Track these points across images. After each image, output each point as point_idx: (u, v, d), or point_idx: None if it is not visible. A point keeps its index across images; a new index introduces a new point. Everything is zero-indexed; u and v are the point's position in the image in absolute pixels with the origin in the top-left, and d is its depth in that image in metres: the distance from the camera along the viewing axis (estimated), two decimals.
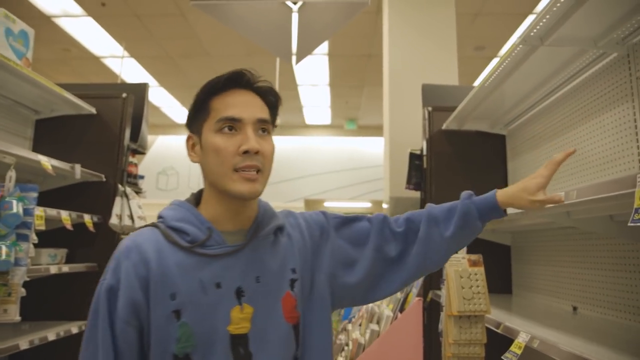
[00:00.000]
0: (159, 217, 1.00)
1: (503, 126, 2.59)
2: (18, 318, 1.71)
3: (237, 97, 0.99)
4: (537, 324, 1.50)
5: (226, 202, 0.98)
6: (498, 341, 1.45)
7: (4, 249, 1.65)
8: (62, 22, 6.24)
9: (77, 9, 5.90)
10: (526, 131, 2.35)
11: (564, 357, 1.01)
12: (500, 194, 1.08)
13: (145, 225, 0.99)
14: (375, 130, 10.23)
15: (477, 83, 2.15)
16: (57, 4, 5.80)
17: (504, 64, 1.77)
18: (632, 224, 0.74)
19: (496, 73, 1.87)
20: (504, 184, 2.55)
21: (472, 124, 2.56)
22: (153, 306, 0.89)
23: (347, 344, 2.46)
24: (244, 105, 0.98)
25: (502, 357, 1.23)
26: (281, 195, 10.65)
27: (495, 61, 1.79)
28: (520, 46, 1.60)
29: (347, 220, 1.14)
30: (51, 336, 2.08)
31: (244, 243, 0.97)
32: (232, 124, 0.96)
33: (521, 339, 1.20)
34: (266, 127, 1.00)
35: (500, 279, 2.46)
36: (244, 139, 0.95)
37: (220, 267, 0.94)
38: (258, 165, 0.95)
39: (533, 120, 2.26)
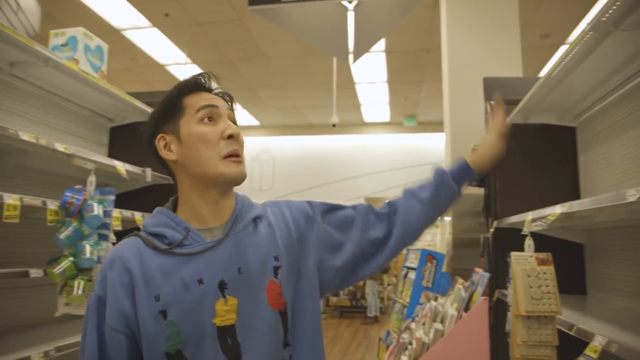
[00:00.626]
0: (143, 225, 1.06)
1: (573, 118, 2.46)
2: None
3: (205, 94, 1.06)
4: (615, 327, 1.43)
5: (208, 195, 1.01)
6: (571, 344, 1.39)
7: (88, 248, 1.79)
8: (130, 34, 6.62)
9: (144, 21, 6.24)
10: (599, 123, 2.23)
11: None
12: (470, 155, 1.21)
13: (128, 235, 1.04)
14: (435, 126, 10.04)
15: (543, 73, 2.06)
16: (125, 18, 6.17)
17: (572, 52, 1.69)
18: None
19: (564, 62, 1.78)
20: (574, 179, 2.44)
21: (539, 116, 2.46)
22: (140, 310, 0.93)
23: (410, 343, 2.45)
24: (214, 99, 1.05)
25: None
26: (341, 194, 10.70)
27: (562, 49, 1.71)
28: (590, 33, 1.52)
29: (333, 207, 1.18)
30: None
31: (221, 237, 1.00)
32: (212, 113, 1.02)
33: (597, 343, 1.14)
34: (234, 118, 1.07)
35: (573, 279, 2.35)
36: (225, 126, 1.01)
37: (200, 263, 0.97)
38: (239, 149, 1.02)
39: (607, 110, 2.13)
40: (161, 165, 1.08)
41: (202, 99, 1.04)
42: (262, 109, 10.18)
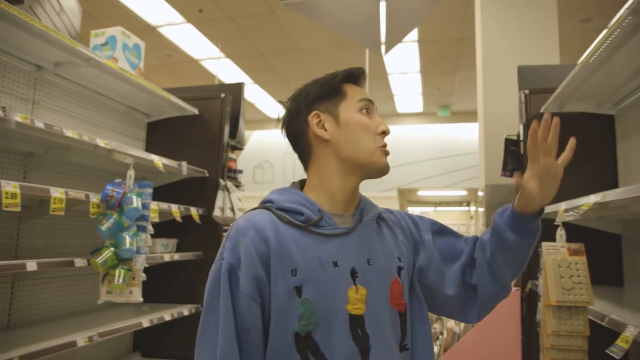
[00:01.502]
0: (267, 201, 1.03)
1: (612, 105, 2.39)
2: (141, 299, 1.94)
3: (360, 88, 1.10)
4: None
5: (350, 179, 1.03)
6: (603, 334, 1.37)
7: (128, 239, 1.88)
8: (165, 31, 6.78)
9: (178, 18, 6.37)
10: (638, 110, 2.16)
11: None
12: (515, 200, 1.02)
13: (254, 208, 1.01)
14: (469, 116, 9.86)
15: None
16: (160, 15, 6.31)
17: (610, 38, 1.64)
18: None
19: (601, 49, 1.73)
20: (613, 168, 2.37)
21: (575, 104, 2.40)
22: (274, 282, 0.89)
23: (441, 333, 2.45)
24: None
25: (607, 351, 1.17)
26: (374, 185, 10.66)
27: (604, 34, 1.66)
28: (630, 17, 1.48)
29: (443, 230, 1.16)
30: (167, 316, 2.32)
31: (353, 225, 1.01)
32: (369, 107, 1.06)
33: (629, 333, 1.13)
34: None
35: (610, 270, 2.30)
36: (380, 122, 1.05)
37: (334, 246, 0.96)
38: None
39: None
40: (294, 141, 1.09)
41: (361, 91, 1.08)
42: None
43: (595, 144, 2.42)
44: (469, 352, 2.08)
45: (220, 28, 6.69)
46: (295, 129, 1.07)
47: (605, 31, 1.63)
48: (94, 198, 1.85)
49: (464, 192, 11.24)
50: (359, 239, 1.00)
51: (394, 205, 11.15)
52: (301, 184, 1.10)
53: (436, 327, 2.61)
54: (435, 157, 10.44)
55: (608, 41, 1.63)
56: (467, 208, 12.21)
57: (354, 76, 1.09)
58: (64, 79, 2.27)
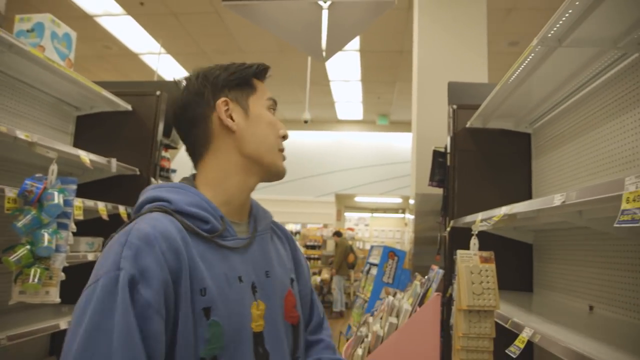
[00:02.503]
0: (160, 199, 0.88)
1: (528, 124, 2.58)
2: (58, 300, 1.85)
3: (265, 87, 1.05)
4: (549, 322, 1.52)
5: (250, 180, 0.96)
6: (508, 336, 1.48)
7: (47, 236, 1.79)
8: (103, 21, 6.51)
9: (118, 9, 6.14)
10: (550, 130, 2.34)
11: (561, 351, 1.04)
12: None
13: (151, 210, 0.86)
14: (407, 125, 10.19)
15: None
16: (98, 4, 6.05)
17: (524, 64, 1.78)
18: (617, 225, 0.77)
19: (517, 73, 1.88)
20: (527, 182, 2.55)
21: (497, 122, 2.56)
22: (182, 303, 0.77)
23: (366, 336, 2.52)
24: None
25: (506, 351, 1.27)
26: (312, 190, 10.75)
27: (519, 59, 1.80)
28: (539, 47, 1.61)
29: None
30: None
31: (251, 236, 0.95)
32: (274, 107, 1.02)
33: (525, 334, 1.23)
34: None
35: (522, 277, 2.47)
36: (281, 125, 1.01)
37: (237, 260, 0.89)
38: None
39: (557, 118, 2.25)
40: (188, 126, 0.96)
41: (267, 90, 1.03)
42: None
43: (513, 160, 2.60)
44: (391, 354, 2.15)
45: (162, 23, 6.52)
46: (196, 112, 0.94)
47: (521, 56, 1.76)
48: (11, 192, 1.75)
49: (399, 200, 11.59)
50: (258, 249, 0.95)
51: (331, 211, 11.29)
52: (191, 179, 0.98)
53: (362, 330, 2.68)
54: (373, 164, 10.69)
55: (522, 66, 1.76)
56: (402, 215, 12.59)
57: (264, 73, 1.04)
58: None
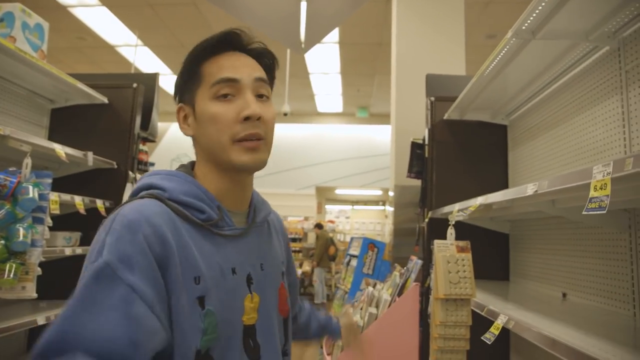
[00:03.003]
0: (154, 187, 0.86)
1: (505, 116, 2.62)
2: (35, 295, 1.82)
3: (230, 58, 0.90)
4: (524, 309, 1.56)
5: (229, 177, 0.89)
6: (483, 323, 1.52)
7: (22, 231, 1.76)
8: (77, 12, 6.35)
9: None
10: (526, 122, 2.39)
11: (535, 337, 1.07)
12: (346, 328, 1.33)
13: (141, 196, 0.83)
14: (386, 118, 10.24)
15: None
16: None
17: (499, 56, 1.81)
18: (586, 212, 0.79)
19: (492, 65, 1.90)
20: (504, 173, 2.60)
21: (474, 114, 2.60)
22: (175, 292, 0.74)
23: None
24: (239, 66, 0.89)
25: (482, 337, 1.30)
26: (292, 183, 10.74)
27: (494, 51, 1.83)
28: (513, 39, 1.64)
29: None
30: None
31: (248, 226, 0.92)
32: (229, 89, 0.87)
33: (499, 321, 1.26)
34: (265, 91, 0.91)
35: (499, 267, 2.52)
36: (244, 104, 0.86)
37: (232, 251, 0.86)
38: (260, 133, 0.86)
39: (532, 111, 2.29)
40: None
41: (223, 67, 0.88)
42: None
43: (490, 151, 2.65)
44: (371, 343, 2.18)
45: (138, 14, 6.40)
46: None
47: (496, 48, 1.79)
48: None
49: (379, 192, 11.66)
50: (254, 241, 0.92)
51: (312, 203, 11.31)
52: (191, 166, 0.95)
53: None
54: (354, 156, 10.73)
55: (497, 58, 1.79)
56: (382, 207, 12.68)
57: (219, 45, 0.90)
58: None
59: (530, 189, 1.13)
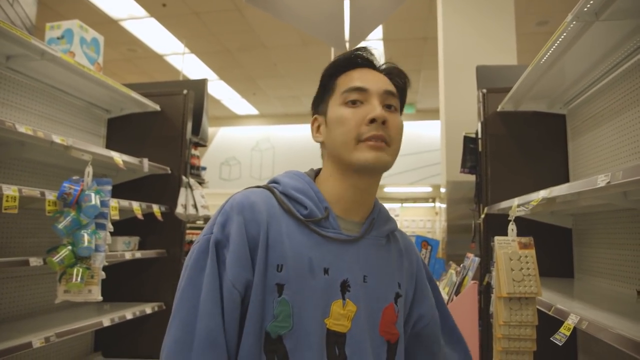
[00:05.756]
0: (274, 181, 0.96)
1: (563, 105, 2.50)
2: (100, 298, 1.91)
3: (362, 72, 0.96)
4: (595, 308, 1.48)
5: (349, 181, 0.93)
6: (550, 323, 1.44)
7: (86, 237, 1.84)
8: (127, 25, 6.62)
9: (141, 11, 6.23)
10: (587, 109, 2.26)
11: (612, 338, 1.01)
12: None
13: (258, 186, 0.93)
14: (434, 113, 10.02)
15: None
16: (122, 8, 6.16)
17: (558, 41, 1.72)
18: None
19: (550, 51, 1.81)
20: (564, 165, 2.48)
21: (529, 104, 2.49)
22: (257, 273, 0.82)
23: None
24: (370, 78, 0.95)
25: (551, 338, 1.23)
26: None
27: (552, 37, 1.74)
28: (574, 23, 1.55)
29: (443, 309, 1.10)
30: (129, 315, 2.29)
31: (358, 235, 0.92)
32: (358, 96, 0.92)
33: (570, 321, 1.20)
34: (394, 102, 0.95)
35: (561, 263, 2.40)
36: (370, 109, 0.90)
37: (331, 252, 0.88)
38: (384, 135, 0.89)
39: (594, 97, 2.17)
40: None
41: (353, 78, 0.94)
42: (261, 98, 10.18)
43: (548, 142, 2.53)
44: None
45: (185, 23, 6.58)
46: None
47: (554, 34, 1.70)
48: (50, 195, 1.80)
49: (429, 189, 11.45)
50: (361, 251, 0.92)
51: None
52: (316, 173, 1.01)
53: None
54: (402, 154, 10.53)
55: (556, 44, 1.70)
56: (432, 204, 12.44)
57: (350, 62, 0.97)
58: (17, 72, 2.20)
59: (601, 181, 1.06)
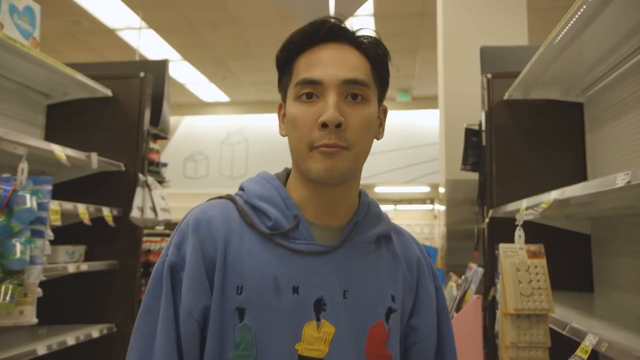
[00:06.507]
0: (240, 188, 0.97)
1: (580, 92, 2.52)
2: (35, 320, 1.86)
3: (325, 52, 0.91)
4: (617, 327, 1.48)
5: (311, 187, 0.92)
6: (565, 345, 1.45)
7: (19, 247, 1.79)
8: None
9: None
10: (609, 97, 2.28)
11: None
12: None
13: (220, 197, 0.95)
14: (433, 101, 10.07)
15: None
16: None
17: (574, 18, 1.72)
18: None
19: (566, 29, 1.82)
20: (581, 160, 2.50)
21: (541, 91, 2.51)
22: (214, 298, 0.85)
23: None
24: (329, 64, 0.89)
25: None
26: None
27: (568, 12, 1.75)
28: None
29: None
30: (70, 340, 2.24)
31: (335, 245, 0.91)
32: (312, 89, 0.88)
33: (588, 342, 1.20)
34: (360, 91, 0.90)
35: (578, 274, 2.43)
36: (323, 108, 0.87)
37: (301, 267, 0.88)
38: (338, 143, 0.86)
39: (617, 83, 2.19)
40: None
41: (312, 63, 0.90)
42: (232, 82, 10.13)
43: (563, 135, 2.55)
44: None
45: None
46: None
47: (570, 9, 1.70)
48: None
49: (427, 189, 11.53)
50: (340, 262, 0.91)
51: None
52: (289, 173, 1.00)
53: None
54: (395, 148, 10.62)
55: (573, 20, 1.71)
56: (430, 206, 12.54)
57: (309, 39, 0.92)
58: None
59: (620, 180, 1.06)
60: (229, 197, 0.95)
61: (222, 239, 0.87)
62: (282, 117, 0.97)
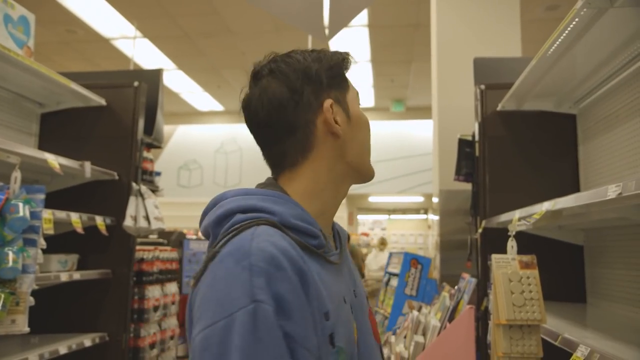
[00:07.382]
0: (261, 210, 0.85)
1: (573, 104, 2.55)
2: (27, 329, 1.85)
3: None
4: (609, 338, 1.49)
5: (342, 190, 0.98)
6: (557, 356, 1.46)
7: (11, 255, 1.78)
8: (65, 1, 6.50)
9: None
10: (601, 109, 2.30)
11: None
12: None
13: (258, 223, 0.82)
14: (427, 111, 10.13)
15: None
16: None
17: (567, 30, 1.75)
18: None
19: (559, 41, 1.84)
20: (574, 171, 2.52)
21: (534, 102, 2.53)
22: (316, 331, 0.77)
23: (389, 358, 2.51)
24: None
25: None
26: None
27: (561, 25, 1.77)
28: (585, 10, 1.58)
29: None
30: (63, 349, 2.23)
31: (340, 250, 0.97)
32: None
33: (580, 353, 1.21)
34: None
35: (571, 285, 2.44)
36: None
37: (340, 277, 0.91)
38: None
39: (610, 95, 2.21)
40: (287, 132, 0.92)
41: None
42: (227, 91, 10.15)
43: (556, 146, 2.57)
44: None
45: (136, 2, 6.52)
46: (298, 116, 0.91)
47: (563, 21, 1.72)
48: None
49: (421, 198, 11.57)
50: (346, 266, 0.97)
51: (342, 213, 11.28)
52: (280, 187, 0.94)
53: (385, 351, 2.66)
54: (389, 158, 10.65)
55: (565, 33, 1.73)
56: (424, 216, 12.56)
57: (350, 63, 1.02)
58: None
59: (612, 192, 1.08)
60: (268, 223, 0.83)
61: (306, 269, 0.78)
62: (334, 116, 0.93)
